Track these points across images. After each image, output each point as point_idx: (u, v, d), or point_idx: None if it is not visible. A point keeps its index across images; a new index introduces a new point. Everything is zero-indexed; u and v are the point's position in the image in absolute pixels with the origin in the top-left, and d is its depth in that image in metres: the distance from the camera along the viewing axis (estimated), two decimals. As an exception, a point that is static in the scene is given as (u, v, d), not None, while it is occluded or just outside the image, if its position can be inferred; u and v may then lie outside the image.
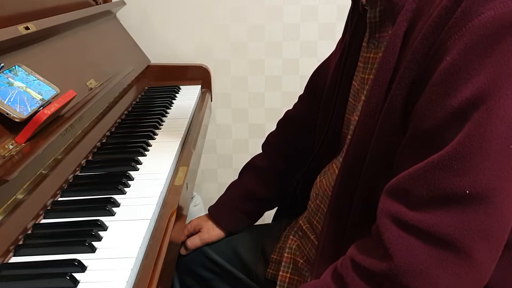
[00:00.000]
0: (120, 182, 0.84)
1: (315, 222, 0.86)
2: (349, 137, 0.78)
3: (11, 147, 0.75)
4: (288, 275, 0.89)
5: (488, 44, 0.52)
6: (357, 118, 0.72)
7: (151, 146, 1.03)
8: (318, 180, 0.89)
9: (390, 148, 0.63)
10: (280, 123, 1.09)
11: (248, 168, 1.07)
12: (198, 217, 1.07)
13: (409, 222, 0.55)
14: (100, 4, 1.49)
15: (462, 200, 0.52)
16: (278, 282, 0.89)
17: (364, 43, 0.76)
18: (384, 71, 0.64)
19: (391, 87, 0.63)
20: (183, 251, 1.01)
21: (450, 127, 0.53)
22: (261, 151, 1.08)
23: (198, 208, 1.72)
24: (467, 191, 0.52)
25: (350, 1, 0.82)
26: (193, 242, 1.00)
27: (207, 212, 1.06)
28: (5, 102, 0.77)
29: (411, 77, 0.60)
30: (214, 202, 1.07)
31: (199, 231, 1.02)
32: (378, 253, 0.58)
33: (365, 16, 0.74)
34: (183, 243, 1.02)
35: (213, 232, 1.02)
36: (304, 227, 0.90)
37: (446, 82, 0.54)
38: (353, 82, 0.80)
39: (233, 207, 1.03)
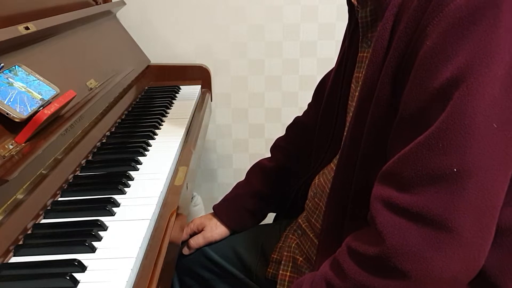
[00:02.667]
0: (120, 182, 0.84)
1: (313, 221, 0.86)
2: (345, 134, 0.79)
3: (11, 147, 0.75)
4: (288, 274, 0.89)
5: (464, 26, 0.54)
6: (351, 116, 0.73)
7: (151, 146, 1.03)
8: (316, 179, 0.89)
9: (380, 140, 0.64)
10: (288, 128, 1.10)
11: (255, 169, 1.07)
12: (200, 216, 1.07)
13: (399, 205, 0.56)
14: (100, 4, 1.49)
15: (450, 179, 0.53)
16: (278, 281, 0.89)
17: (360, 43, 0.77)
18: (373, 66, 0.65)
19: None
20: (185, 251, 1.01)
21: (433, 107, 0.55)
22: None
23: (198, 208, 1.72)
24: (455, 169, 0.52)
25: (348, 7, 0.83)
26: (196, 241, 1.00)
27: (210, 212, 1.06)
28: (5, 102, 0.77)
29: (395, 66, 0.61)
30: (216, 202, 1.07)
31: (201, 230, 1.02)
32: (372, 238, 0.59)
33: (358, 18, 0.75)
34: (186, 242, 1.02)
35: (216, 230, 1.01)
36: (303, 226, 0.90)
37: (427, 65, 0.56)
38: (351, 84, 0.80)
39: (239, 205, 1.03)
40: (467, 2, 0.54)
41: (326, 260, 0.69)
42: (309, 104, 1.09)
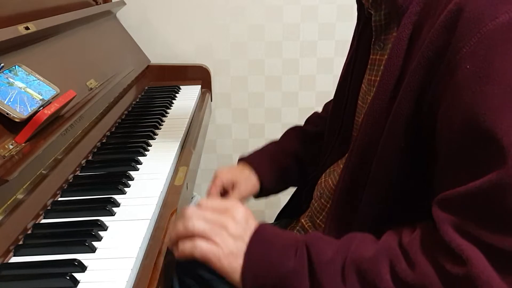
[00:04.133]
0: (120, 182, 0.84)
1: (318, 221, 0.86)
2: (355, 136, 0.79)
3: (11, 147, 0.75)
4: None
5: (508, 48, 0.51)
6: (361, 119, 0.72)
7: (151, 146, 1.03)
8: (323, 179, 0.89)
9: (398, 153, 0.63)
10: (325, 106, 1.09)
11: (290, 132, 1.04)
12: (223, 170, 0.96)
13: (473, 234, 0.53)
14: (100, 4, 1.49)
15: None
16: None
17: (372, 45, 0.76)
18: (389, 74, 0.64)
19: (397, 90, 0.63)
20: None
21: (489, 140, 0.51)
22: None
23: (198, 208, 1.72)
24: None
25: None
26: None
27: (236, 165, 0.99)
28: (5, 102, 0.77)
29: (418, 82, 0.59)
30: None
31: (231, 187, 0.93)
32: (452, 257, 0.54)
33: (371, 20, 0.74)
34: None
35: (250, 183, 0.94)
36: (306, 226, 0.90)
37: (470, 90, 0.52)
38: (362, 84, 0.80)
39: (269, 157, 0.98)
40: (509, 23, 0.51)
41: None
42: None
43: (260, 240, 0.68)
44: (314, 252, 0.64)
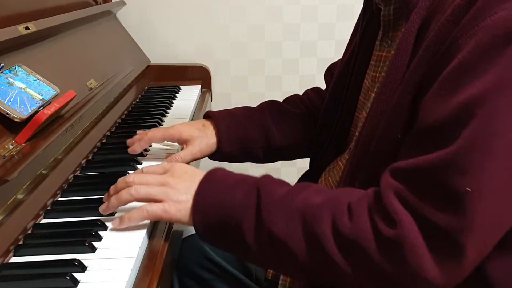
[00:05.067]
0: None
1: None
2: (357, 134, 0.79)
3: (11, 147, 0.75)
4: (289, 274, 0.89)
5: (499, 44, 0.52)
6: (366, 116, 0.72)
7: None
8: (323, 178, 0.89)
9: (393, 144, 0.63)
10: (309, 91, 1.07)
11: (266, 102, 1.02)
12: (184, 123, 0.96)
13: (411, 204, 0.56)
14: (100, 4, 1.49)
15: (463, 198, 0.52)
16: (280, 282, 0.89)
17: (378, 41, 0.76)
18: (396, 69, 0.64)
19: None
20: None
21: (454, 123, 0.54)
22: None
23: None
24: (468, 189, 0.52)
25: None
26: (183, 157, 0.90)
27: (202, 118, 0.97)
28: (5, 102, 0.77)
29: (420, 75, 0.60)
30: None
31: (183, 142, 0.93)
32: (387, 219, 0.58)
33: (379, 15, 0.74)
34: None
35: (205, 143, 0.92)
36: None
37: (454, 79, 0.55)
38: (365, 80, 0.80)
39: (236, 122, 0.95)
40: (505, 20, 0.52)
41: None
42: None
43: (210, 180, 0.70)
44: (264, 191, 0.66)
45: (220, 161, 0.98)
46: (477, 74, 0.53)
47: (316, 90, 1.08)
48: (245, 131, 0.95)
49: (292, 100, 1.04)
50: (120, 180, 0.73)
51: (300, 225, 0.62)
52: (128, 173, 0.88)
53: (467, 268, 0.56)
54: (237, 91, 1.77)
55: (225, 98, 1.77)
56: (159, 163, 0.93)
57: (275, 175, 0.70)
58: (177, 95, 1.44)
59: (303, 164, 0.99)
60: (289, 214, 0.63)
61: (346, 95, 0.86)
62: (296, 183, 1.00)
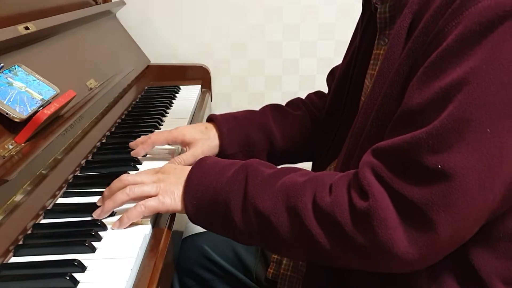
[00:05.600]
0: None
1: None
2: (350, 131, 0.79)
3: (11, 147, 0.75)
4: (288, 273, 0.89)
5: (481, 31, 0.53)
6: (359, 110, 0.73)
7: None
8: None
9: (381, 135, 0.64)
10: (312, 95, 1.06)
11: (268, 105, 1.02)
12: (188, 126, 0.96)
13: (386, 180, 0.58)
14: (100, 4, 1.49)
15: (434, 175, 0.54)
16: (279, 281, 0.89)
17: (376, 40, 0.76)
18: (388, 63, 0.65)
19: None
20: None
21: (434, 106, 0.56)
22: None
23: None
24: (439, 166, 0.54)
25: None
26: (185, 159, 0.90)
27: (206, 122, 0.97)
28: (5, 102, 0.77)
29: (408, 65, 0.62)
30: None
31: (186, 145, 0.93)
32: (361, 192, 0.60)
33: (376, 14, 0.74)
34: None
35: (207, 145, 0.92)
36: None
37: (438, 65, 0.56)
38: (365, 80, 0.80)
39: (239, 125, 0.96)
40: (488, 8, 0.53)
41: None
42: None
43: (200, 166, 0.74)
44: (251, 169, 0.69)
45: None
46: (459, 60, 0.54)
47: (318, 94, 1.08)
48: (247, 134, 0.95)
49: (295, 103, 1.04)
50: (114, 182, 0.75)
51: (283, 199, 0.65)
52: (128, 173, 0.88)
53: (440, 247, 0.57)
54: (237, 91, 1.77)
55: (225, 98, 1.77)
56: (159, 163, 0.94)
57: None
58: (177, 95, 1.44)
59: (304, 166, 0.99)
60: (274, 191, 0.66)
61: (347, 96, 0.86)
62: None
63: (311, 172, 0.70)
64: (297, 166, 0.74)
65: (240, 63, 1.74)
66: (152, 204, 0.71)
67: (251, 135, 0.96)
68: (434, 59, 0.57)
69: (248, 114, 0.99)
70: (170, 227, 0.76)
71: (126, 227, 0.71)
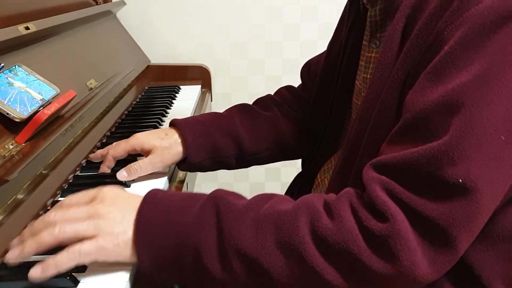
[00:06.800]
0: (120, 182, 0.84)
1: None
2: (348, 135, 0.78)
3: (11, 147, 0.75)
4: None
5: (484, 33, 0.52)
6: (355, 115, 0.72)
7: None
8: (319, 179, 0.88)
9: (380, 142, 0.62)
10: (283, 89, 1.04)
11: (235, 107, 0.96)
12: (147, 133, 0.89)
13: (401, 196, 0.53)
14: (100, 4, 1.49)
15: (454, 189, 0.51)
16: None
17: (365, 41, 0.76)
18: (382, 68, 0.63)
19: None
20: (123, 176, 0.82)
21: (442, 112, 0.53)
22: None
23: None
24: (460, 180, 0.51)
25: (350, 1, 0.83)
26: (143, 167, 0.83)
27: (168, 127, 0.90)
28: (5, 102, 0.77)
29: (406, 70, 0.60)
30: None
31: (144, 152, 0.86)
32: (375, 214, 0.54)
33: (365, 15, 0.74)
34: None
35: (167, 153, 0.84)
36: None
37: (442, 69, 0.54)
38: (356, 81, 0.80)
39: (204, 131, 0.88)
40: (490, 9, 0.52)
41: None
42: (299, 86, 1.05)
43: (151, 202, 0.60)
44: (223, 204, 0.58)
45: (189, 171, 0.93)
46: (464, 64, 0.52)
47: (290, 88, 1.05)
48: (214, 140, 0.89)
49: (263, 101, 1.00)
50: (38, 221, 0.60)
51: (271, 235, 0.55)
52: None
53: (454, 262, 0.55)
54: (237, 91, 1.77)
55: (225, 98, 1.77)
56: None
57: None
58: (177, 95, 1.44)
59: (292, 164, 0.98)
60: (257, 225, 0.56)
61: (335, 96, 0.85)
62: (289, 185, 1.00)
63: (290, 199, 0.61)
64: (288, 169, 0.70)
65: (240, 63, 1.74)
66: (89, 249, 0.56)
67: (217, 141, 0.89)
68: (437, 63, 0.54)
69: (213, 118, 0.92)
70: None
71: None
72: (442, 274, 0.55)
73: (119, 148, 0.86)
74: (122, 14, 1.61)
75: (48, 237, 0.57)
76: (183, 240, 0.56)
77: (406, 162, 0.54)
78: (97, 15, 1.37)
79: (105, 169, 0.87)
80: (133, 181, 0.85)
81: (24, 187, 0.74)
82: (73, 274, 0.60)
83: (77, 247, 0.57)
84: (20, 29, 0.90)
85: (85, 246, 0.57)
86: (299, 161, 1.02)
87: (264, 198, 0.60)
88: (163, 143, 0.85)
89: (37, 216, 0.75)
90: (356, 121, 0.69)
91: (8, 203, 0.70)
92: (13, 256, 0.58)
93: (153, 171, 0.85)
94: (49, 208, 0.78)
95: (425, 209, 0.52)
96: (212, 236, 0.56)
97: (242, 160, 0.93)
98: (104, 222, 0.58)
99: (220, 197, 0.59)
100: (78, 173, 0.90)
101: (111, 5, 1.54)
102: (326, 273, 0.54)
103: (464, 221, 0.52)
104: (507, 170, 0.52)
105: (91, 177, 0.89)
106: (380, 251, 0.53)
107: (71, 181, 0.86)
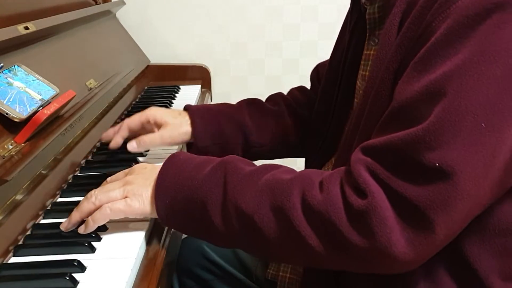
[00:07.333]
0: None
1: None
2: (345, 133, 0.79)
3: (10, 147, 0.75)
4: (288, 275, 0.89)
5: (469, 24, 0.53)
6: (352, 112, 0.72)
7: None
8: None
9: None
10: (294, 90, 1.06)
11: (245, 100, 1.00)
12: (159, 109, 0.95)
13: (382, 177, 0.56)
14: (100, 4, 1.49)
15: (431, 173, 0.53)
16: (278, 283, 0.89)
17: (367, 40, 0.76)
18: (378, 62, 0.65)
19: None
20: (131, 147, 0.89)
21: (426, 100, 0.55)
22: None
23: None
24: (437, 164, 0.53)
25: (350, 2, 0.83)
26: (152, 140, 0.89)
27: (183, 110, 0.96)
28: (4, 102, 0.76)
29: (398, 61, 0.61)
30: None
31: (157, 126, 0.92)
32: (357, 190, 0.58)
33: (365, 14, 0.74)
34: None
35: (177, 131, 0.91)
36: None
37: (427, 59, 0.56)
38: (357, 81, 0.80)
39: (213, 118, 0.94)
40: (475, 2, 0.53)
41: None
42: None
43: (171, 163, 0.69)
44: (231, 167, 0.66)
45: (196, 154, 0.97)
46: (449, 54, 0.54)
47: (301, 89, 1.08)
48: (221, 127, 0.94)
49: (274, 98, 1.03)
50: (83, 200, 0.71)
51: (268, 198, 0.61)
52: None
53: (435, 246, 0.56)
54: (237, 91, 1.77)
55: (225, 98, 1.75)
56: (159, 162, 0.93)
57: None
58: (176, 95, 1.44)
59: (303, 164, 0.99)
60: (257, 188, 0.63)
61: (338, 96, 0.86)
62: None
63: (294, 170, 0.67)
64: (285, 165, 0.71)
65: (240, 63, 1.74)
66: (118, 206, 0.68)
67: (224, 128, 0.94)
68: (423, 54, 0.56)
69: (223, 107, 0.98)
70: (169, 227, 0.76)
71: (126, 227, 0.71)
72: (423, 258, 0.57)
73: (134, 117, 0.93)
74: (121, 14, 1.61)
75: (86, 205, 0.69)
76: (193, 194, 0.65)
77: (389, 146, 0.56)
78: (96, 15, 1.37)
79: (118, 139, 0.92)
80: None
81: (23, 187, 0.74)
82: (72, 274, 0.60)
83: (109, 205, 0.68)
84: (20, 29, 0.90)
85: (116, 204, 0.68)
86: (299, 160, 1.02)
87: (269, 168, 0.66)
88: (175, 121, 0.92)
89: (37, 216, 0.74)
90: (353, 117, 0.70)
91: (8, 203, 0.70)
92: (64, 226, 0.70)
93: (161, 145, 0.91)
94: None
95: (405, 190, 0.55)
96: (218, 193, 0.64)
97: (248, 152, 0.96)
98: (131, 187, 0.69)
99: (230, 162, 0.67)
100: (77, 173, 0.90)
101: (110, 5, 1.54)
102: (310, 238, 0.59)
103: (442, 205, 0.53)
104: (487, 157, 0.53)
105: (91, 177, 0.89)
106: (358, 224, 0.57)
107: (71, 181, 0.86)
